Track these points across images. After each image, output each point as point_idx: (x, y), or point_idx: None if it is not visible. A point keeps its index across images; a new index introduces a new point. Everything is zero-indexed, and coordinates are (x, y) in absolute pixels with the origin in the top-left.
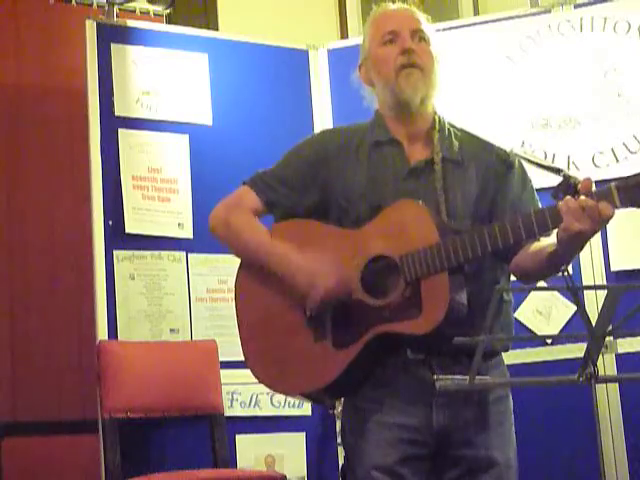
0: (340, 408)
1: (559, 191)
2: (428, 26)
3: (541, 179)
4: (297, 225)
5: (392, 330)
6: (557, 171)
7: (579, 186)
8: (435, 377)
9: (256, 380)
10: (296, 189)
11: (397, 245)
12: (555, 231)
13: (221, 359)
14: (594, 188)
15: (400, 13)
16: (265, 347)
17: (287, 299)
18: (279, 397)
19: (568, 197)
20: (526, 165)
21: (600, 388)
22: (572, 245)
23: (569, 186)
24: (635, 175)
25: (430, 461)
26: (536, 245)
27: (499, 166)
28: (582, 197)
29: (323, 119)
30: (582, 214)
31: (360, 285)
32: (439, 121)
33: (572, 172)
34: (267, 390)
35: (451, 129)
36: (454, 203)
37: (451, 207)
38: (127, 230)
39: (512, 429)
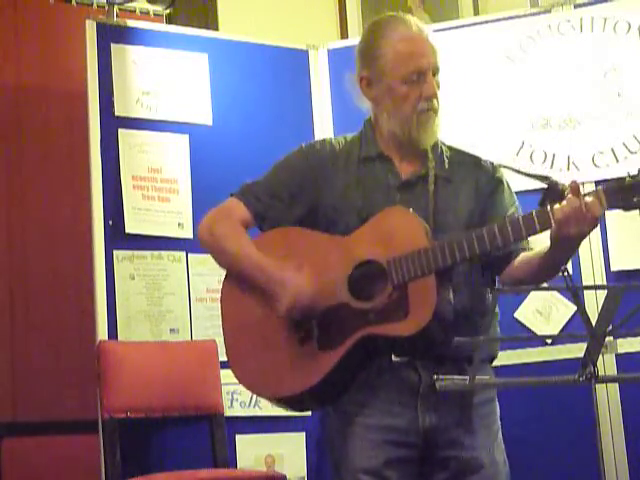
0: None
1: (546, 198)
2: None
3: (528, 182)
4: (284, 232)
5: (378, 332)
6: (543, 178)
7: (567, 191)
8: (435, 377)
9: None
10: (285, 201)
11: (385, 250)
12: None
13: (221, 359)
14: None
15: (426, 45)
16: (249, 351)
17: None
18: None
19: (564, 202)
20: (513, 174)
21: (600, 388)
22: (570, 248)
23: (555, 192)
24: (621, 178)
25: (418, 464)
26: (526, 254)
27: (489, 183)
28: (571, 198)
29: (323, 119)
30: (578, 218)
31: (347, 289)
32: None
33: (558, 178)
34: None
35: (443, 147)
36: (445, 219)
37: (440, 222)
38: (127, 230)
39: (499, 432)
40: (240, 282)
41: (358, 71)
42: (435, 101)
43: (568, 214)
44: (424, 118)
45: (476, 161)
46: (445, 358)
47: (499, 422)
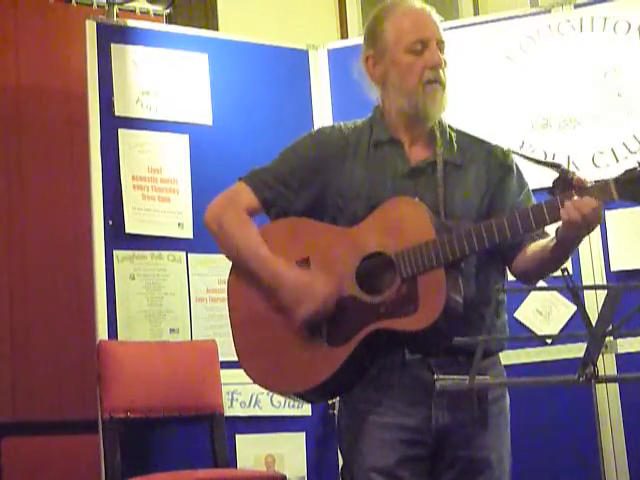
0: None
1: (556, 186)
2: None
3: (540, 179)
4: (291, 223)
5: (388, 327)
6: (555, 166)
7: (574, 181)
8: (435, 377)
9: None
10: (293, 187)
11: (393, 241)
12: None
13: (221, 359)
14: (589, 183)
15: (429, 18)
16: (258, 346)
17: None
18: (279, 397)
19: (568, 203)
20: (524, 163)
21: (600, 388)
22: (574, 241)
23: (566, 181)
24: (632, 169)
25: (429, 462)
26: (535, 245)
27: (498, 169)
28: (569, 205)
29: (323, 119)
30: (582, 213)
31: (355, 282)
32: (441, 123)
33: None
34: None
35: (451, 132)
36: (453, 205)
37: (450, 208)
38: (127, 230)
39: (508, 429)
40: (247, 275)
41: (364, 53)
42: (441, 72)
43: (573, 217)
44: (430, 89)
45: (487, 148)
46: (459, 353)
47: (509, 417)
